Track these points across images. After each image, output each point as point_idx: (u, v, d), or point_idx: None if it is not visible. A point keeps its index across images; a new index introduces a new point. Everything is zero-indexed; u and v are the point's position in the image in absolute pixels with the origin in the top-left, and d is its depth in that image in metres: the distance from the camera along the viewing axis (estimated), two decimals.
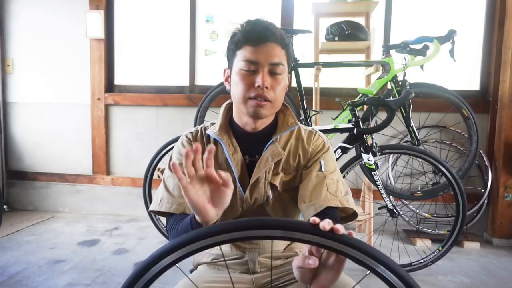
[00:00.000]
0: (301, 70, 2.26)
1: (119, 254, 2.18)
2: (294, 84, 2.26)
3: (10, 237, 2.44)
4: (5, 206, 3.05)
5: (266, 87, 0.84)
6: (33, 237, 2.44)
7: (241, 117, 0.93)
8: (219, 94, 2.41)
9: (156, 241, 2.41)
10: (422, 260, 1.93)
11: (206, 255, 1.00)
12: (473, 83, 2.71)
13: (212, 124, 0.99)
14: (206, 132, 0.96)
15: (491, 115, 2.59)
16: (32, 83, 3.07)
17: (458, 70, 2.66)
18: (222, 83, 2.35)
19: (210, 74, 2.94)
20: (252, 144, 0.94)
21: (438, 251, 1.91)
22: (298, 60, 2.26)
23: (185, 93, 2.94)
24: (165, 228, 1.69)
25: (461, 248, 2.37)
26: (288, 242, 0.97)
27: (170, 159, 0.95)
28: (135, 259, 2.11)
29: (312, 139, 0.95)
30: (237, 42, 0.86)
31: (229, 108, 0.97)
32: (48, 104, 3.06)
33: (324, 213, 0.84)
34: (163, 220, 1.39)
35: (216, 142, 0.94)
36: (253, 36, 0.84)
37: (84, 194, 3.04)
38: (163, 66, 2.99)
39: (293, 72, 2.27)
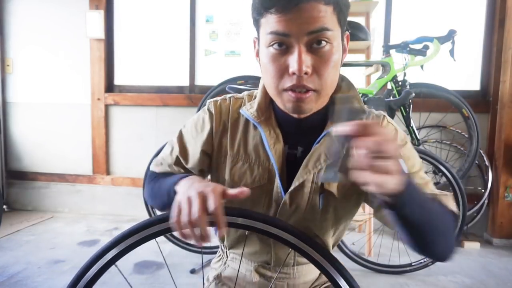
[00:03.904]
0: None
1: None
2: None
3: (10, 237, 2.44)
4: (4, 206, 3.05)
5: (306, 73, 0.58)
6: (32, 237, 2.44)
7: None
8: (219, 94, 2.41)
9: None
10: (422, 260, 1.93)
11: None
12: (473, 83, 2.71)
13: (250, 96, 0.76)
14: (240, 111, 0.73)
15: (491, 115, 2.59)
16: (32, 83, 3.06)
17: (458, 70, 2.65)
18: (222, 83, 2.36)
19: (210, 74, 2.94)
20: (294, 132, 0.71)
21: None
22: None
23: (185, 93, 2.93)
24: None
25: (461, 248, 2.37)
26: None
27: (181, 131, 0.84)
28: (135, 259, 2.11)
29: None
30: (257, 9, 0.61)
31: None
32: (48, 104, 3.06)
33: None
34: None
35: (248, 123, 0.73)
36: None
37: (84, 194, 3.04)
38: (163, 66, 2.99)
39: None
